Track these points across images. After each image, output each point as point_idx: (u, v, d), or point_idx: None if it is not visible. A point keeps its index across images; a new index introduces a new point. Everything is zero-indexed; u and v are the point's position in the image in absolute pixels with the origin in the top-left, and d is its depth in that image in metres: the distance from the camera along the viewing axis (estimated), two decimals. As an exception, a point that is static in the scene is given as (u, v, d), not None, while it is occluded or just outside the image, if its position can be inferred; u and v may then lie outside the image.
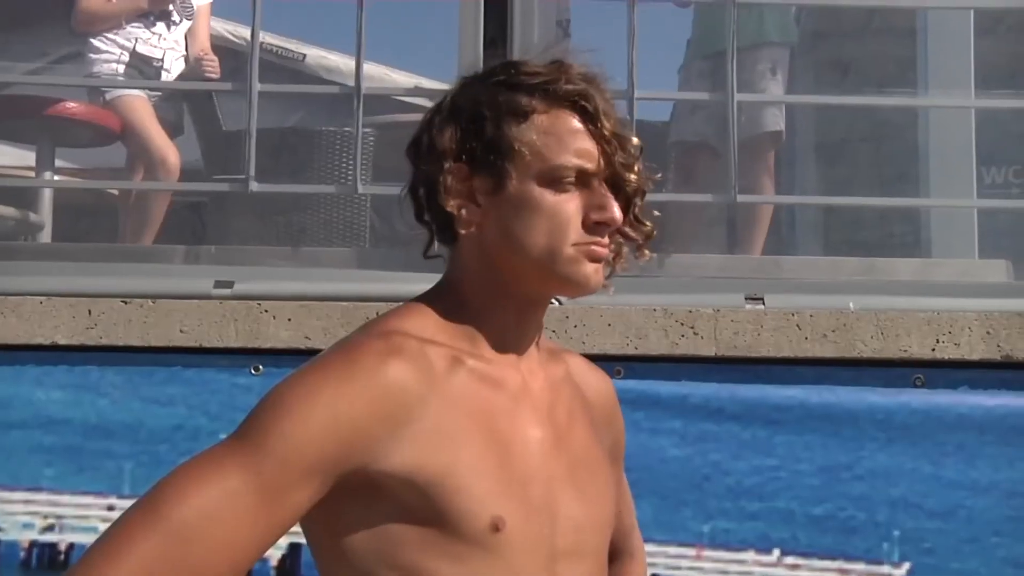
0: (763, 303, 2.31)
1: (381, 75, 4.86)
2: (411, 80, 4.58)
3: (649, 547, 2.17)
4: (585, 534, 1.15)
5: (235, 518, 1.00)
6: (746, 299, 2.33)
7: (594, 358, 2.33)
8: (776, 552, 2.18)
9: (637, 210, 1.18)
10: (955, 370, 2.24)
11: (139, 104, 3.41)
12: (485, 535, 1.06)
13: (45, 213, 3.35)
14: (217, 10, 3.91)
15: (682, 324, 2.24)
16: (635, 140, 1.17)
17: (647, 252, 1.21)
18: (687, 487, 2.19)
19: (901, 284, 2.48)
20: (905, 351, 2.23)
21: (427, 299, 1.18)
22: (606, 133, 1.13)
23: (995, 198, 3.82)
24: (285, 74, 4.96)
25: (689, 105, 3.35)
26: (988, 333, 2.23)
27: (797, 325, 2.25)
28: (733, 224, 2.98)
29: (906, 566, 2.18)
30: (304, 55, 5.35)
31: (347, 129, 3.08)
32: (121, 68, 3.50)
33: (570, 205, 1.13)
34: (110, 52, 3.51)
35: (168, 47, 3.57)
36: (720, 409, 2.22)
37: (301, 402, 1.03)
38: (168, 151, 3.36)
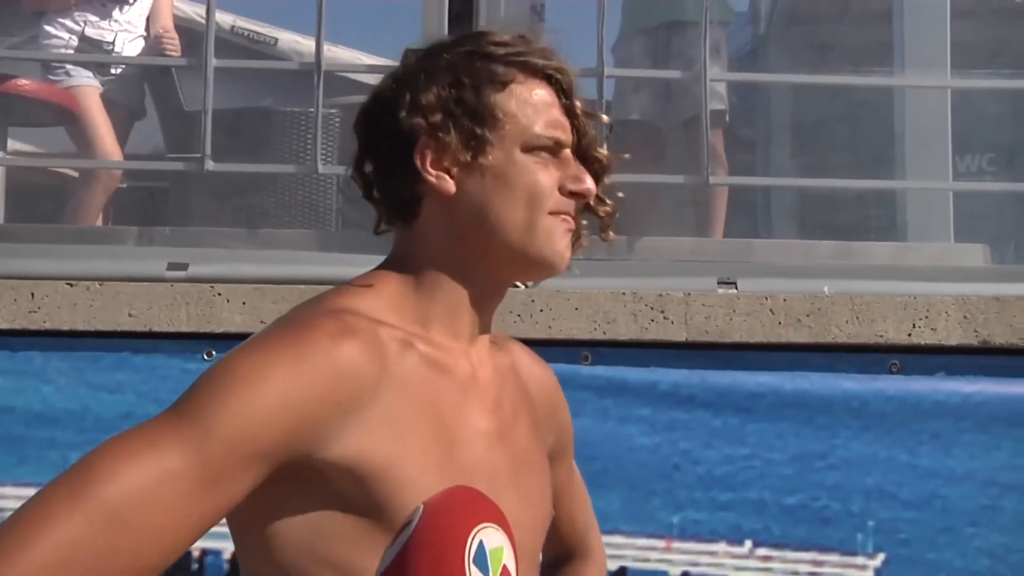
0: (735, 287, 2.25)
1: (353, 60, 4.78)
2: (381, 63, 4.50)
3: (617, 539, 2.12)
4: (523, 535, 1.07)
5: (172, 503, 0.90)
6: (718, 283, 2.27)
7: (561, 343, 2.26)
8: (748, 543, 2.14)
9: (601, 189, 1.18)
10: (932, 356, 2.19)
11: (90, 95, 3.29)
12: None
13: (-4, 194, 3.25)
14: (182, -12, 3.82)
15: (652, 308, 2.17)
16: (605, 118, 1.23)
17: (611, 233, 1.21)
18: (656, 477, 2.13)
19: (877, 268, 2.42)
20: (881, 336, 2.18)
21: (375, 278, 1.11)
22: (577, 108, 1.15)
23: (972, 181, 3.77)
24: (257, 58, 4.86)
25: (632, 83, 3.28)
26: (965, 318, 2.18)
27: (770, 310, 2.19)
28: (704, 206, 2.92)
29: (881, 557, 2.13)
30: (276, 39, 5.27)
31: (312, 110, 3.00)
32: (71, 53, 3.39)
33: (547, 174, 1.12)
34: (59, 37, 3.39)
35: (120, 29, 3.44)
36: (690, 396, 2.16)
37: (250, 381, 0.94)
38: (114, 156, 3.26)
